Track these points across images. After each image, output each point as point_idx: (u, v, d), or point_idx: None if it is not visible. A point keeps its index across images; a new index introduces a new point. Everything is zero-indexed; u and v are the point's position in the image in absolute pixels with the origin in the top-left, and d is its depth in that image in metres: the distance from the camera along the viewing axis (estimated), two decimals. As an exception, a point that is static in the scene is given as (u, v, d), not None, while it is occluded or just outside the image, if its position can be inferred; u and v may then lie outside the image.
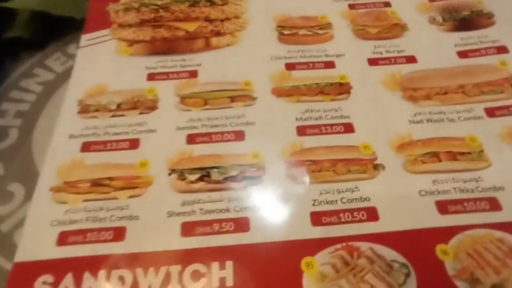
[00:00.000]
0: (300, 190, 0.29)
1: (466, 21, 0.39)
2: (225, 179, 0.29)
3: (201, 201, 0.28)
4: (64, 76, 0.37)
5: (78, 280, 0.25)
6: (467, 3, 0.40)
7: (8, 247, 0.27)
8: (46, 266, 0.25)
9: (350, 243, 0.26)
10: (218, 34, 0.38)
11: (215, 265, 0.25)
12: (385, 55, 0.37)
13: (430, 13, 0.40)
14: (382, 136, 0.31)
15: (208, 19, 0.38)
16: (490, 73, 0.35)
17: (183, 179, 0.29)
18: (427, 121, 0.32)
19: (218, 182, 0.29)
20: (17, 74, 0.39)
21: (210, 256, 0.26)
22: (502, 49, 0.36)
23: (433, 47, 0.37)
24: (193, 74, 0.36)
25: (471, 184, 0.28)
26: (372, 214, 0.27)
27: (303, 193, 0.28)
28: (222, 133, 0.32)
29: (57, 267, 0.25)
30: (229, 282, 0.25)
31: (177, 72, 0.36)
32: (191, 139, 0.31)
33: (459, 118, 0.32)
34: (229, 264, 0.25)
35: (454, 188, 0.28)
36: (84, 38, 0.38)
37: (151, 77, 0.35)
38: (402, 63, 0.36)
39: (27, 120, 0.35)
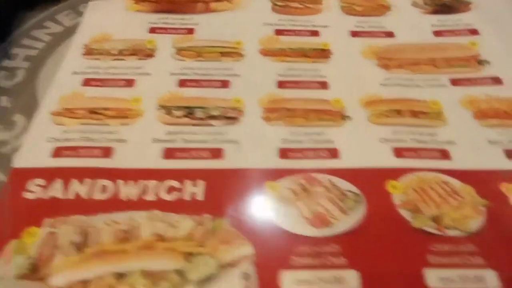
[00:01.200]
0: (272, 130, 0.32)
1: (446, 7, 0.42)
2: (208, 117, 0.33)
3: (183, 133, 0.31)
4: (72, 30, 0.40)
5: (66, 185, 0.28)
6: (449, -8, 0.44)
7: (7, 165, 0.30)
8: (40, 172, 0.29)
9: (311, 174, 0.29)
10: (217, 0, 0.42)
11: (188, 183, 0.28)
12: (366, 29, 0.40)
13: (414, -2, 0.43)
14: (353, 94, 0.34)
15: (208, -14, 0.42)
16: (460, 50, 0.38)
17: (170, 114, 0.33)
18: (396, 85, 0.35)
19: (201, 119, 0.32)
20: (29, 25, 0.42)
21: (185, 176, 0.29)
22: (473, 32, 0.40)
23: (412, 25, 0.40)
24: (191, 31, 0.39)
25: (427, 137, 0.31)
26: (333, 153, 0.30)
27: (274, 133, 0.31)
28: (210, 81, 0.35)
29: (50, 174, 0.29)
30: (200, 197, 0.28)
31: (176, 28, 0.39)
32: (182, 83, 0.35)
33: (425, 85, 0.35)
34: (201, 183, 0.28)
35: (411, 139, 0.31)
36: (96, -7, 0.42)
37: (152, 30, 0.39)
38: (381, 37, 0.39)
39: (34, 63, 0.38)
